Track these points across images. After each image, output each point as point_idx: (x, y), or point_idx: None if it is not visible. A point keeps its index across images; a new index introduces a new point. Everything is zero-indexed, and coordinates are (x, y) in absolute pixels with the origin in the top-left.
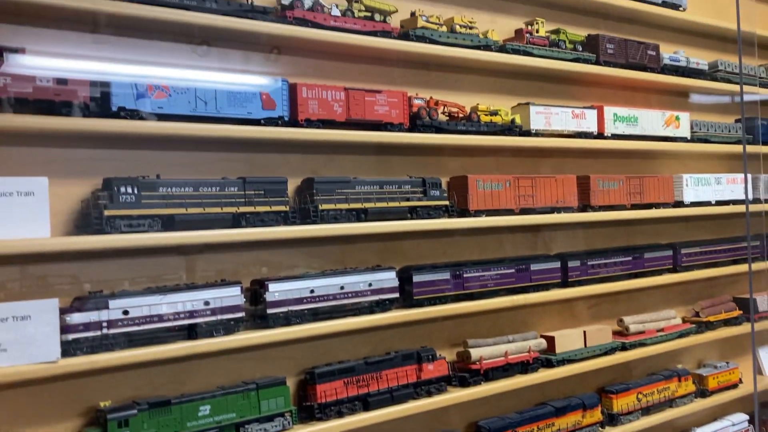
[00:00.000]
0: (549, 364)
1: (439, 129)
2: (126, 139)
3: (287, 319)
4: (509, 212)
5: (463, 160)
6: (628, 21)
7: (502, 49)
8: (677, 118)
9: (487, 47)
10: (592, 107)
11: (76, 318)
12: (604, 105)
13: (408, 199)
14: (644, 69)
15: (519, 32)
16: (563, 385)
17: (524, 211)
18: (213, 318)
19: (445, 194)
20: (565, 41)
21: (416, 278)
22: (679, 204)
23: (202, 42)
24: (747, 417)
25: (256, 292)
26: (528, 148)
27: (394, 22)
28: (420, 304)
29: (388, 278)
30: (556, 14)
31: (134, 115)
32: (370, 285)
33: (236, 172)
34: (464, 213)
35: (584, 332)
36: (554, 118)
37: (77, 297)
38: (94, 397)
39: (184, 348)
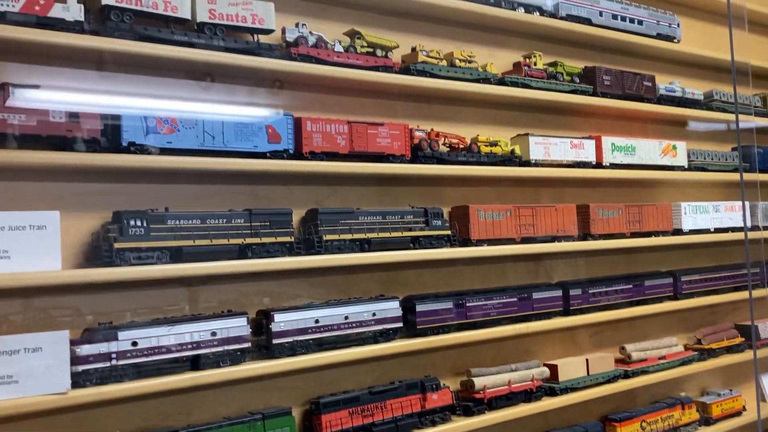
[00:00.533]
0: (552, 393)
1: (440, 160)
2: (135, 172)
3: (292, 349)
4: (510, 241)
5: (464, 190)
6: (624, 53)
7: (500, 81)
8: (674, 147)
9: (486, 80)
10: (590, 137)
11: (86, 349)
12: (602, 135)
13: (410, 229)
14: (641, 99)
15: (517, 65)
16: (567, 413)
17: (525, 240)
18: (220, 348)
19: (447, 224)
20: (562, 73)
21: (419, 308)
22: (678, 232)
23: (207, 74)
24: None
25: (260, 322)
26: (528, 178)
27: (396, 57)
28: (423, 333)
29: (392, 308)
30: (554, 47)
31: (144, 150)
32: (374, 315)
33: (242, 204)
34: (466, 242)
35: (587, 360)
36: (553, 149)
37: (87, 328)
38: (103, 427)
39: (191, 379)
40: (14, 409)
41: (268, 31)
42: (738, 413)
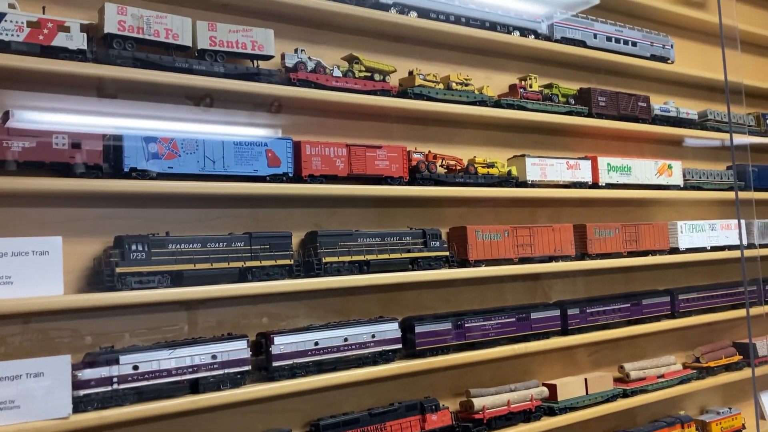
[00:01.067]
0: (551, 413)
1: (437, 182)
2: (137, 197)
3: (292, 372)
4: (508, 261)
5: (461, 211)
6: (619, 74)
7: (497, 104)
8: (670, 167)
9: (482, 103)
10: (586, 158)
11: (87, 374)
12: (598, 155)
13: (409, 251)
14: (636, 120)
15: (513, 87)
16: None
17: (523, 260)
18: (220, 372)
19: (445, 245)
20: (558, 95)
21: (418, 329)
22: (675, 250)
23: (207, 96)
24: None
25: (260, 344)
26: (525, 199)
27: (393, 80)
28: (422, 354)
29: (391, 329)
30: (549, 69)
31: (145, 175)
32: (373, 336)
33: (242, 227)
34: (464, 263)
35: (585, 379)
36: (549, 169)
37: (88, 353)
38: None
39: (192, 402)
40: None
41: (268, 57)
42: (738, 431)
